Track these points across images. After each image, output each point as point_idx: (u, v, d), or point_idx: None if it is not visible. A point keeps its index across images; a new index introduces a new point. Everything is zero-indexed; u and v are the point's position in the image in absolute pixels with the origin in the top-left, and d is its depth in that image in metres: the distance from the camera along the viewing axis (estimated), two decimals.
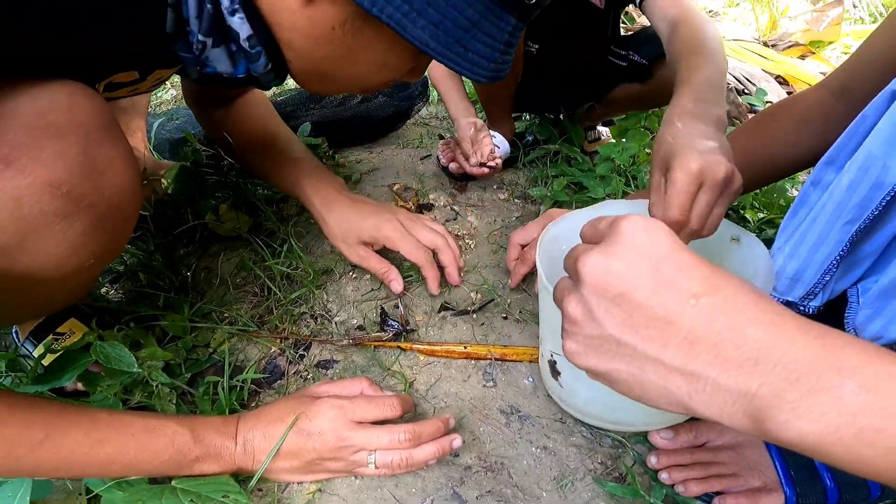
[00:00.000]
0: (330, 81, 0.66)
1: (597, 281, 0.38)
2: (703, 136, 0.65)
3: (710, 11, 3.18)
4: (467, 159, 1.13)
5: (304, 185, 0.89)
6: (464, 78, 1.24)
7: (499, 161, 1.10)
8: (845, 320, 0.61)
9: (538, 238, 0.72)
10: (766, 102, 1.59)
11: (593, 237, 0.42)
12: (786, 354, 0.32)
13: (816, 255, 0.61)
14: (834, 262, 0.60)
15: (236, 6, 0.54)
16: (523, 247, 0.90)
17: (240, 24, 0.55)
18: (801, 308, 0.65)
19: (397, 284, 0.87)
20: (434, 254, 0.88)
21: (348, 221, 0.86)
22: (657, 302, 0.35)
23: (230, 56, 0.60)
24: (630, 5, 1.21)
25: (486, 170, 1.09)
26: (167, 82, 2.07)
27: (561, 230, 0.73)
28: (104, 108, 0.53)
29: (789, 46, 2.30)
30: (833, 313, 0.64)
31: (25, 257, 0.48)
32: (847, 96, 0.73)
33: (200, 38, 0.56)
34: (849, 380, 0.30)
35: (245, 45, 0.57)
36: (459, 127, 1.15)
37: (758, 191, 1.09)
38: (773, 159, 0.81)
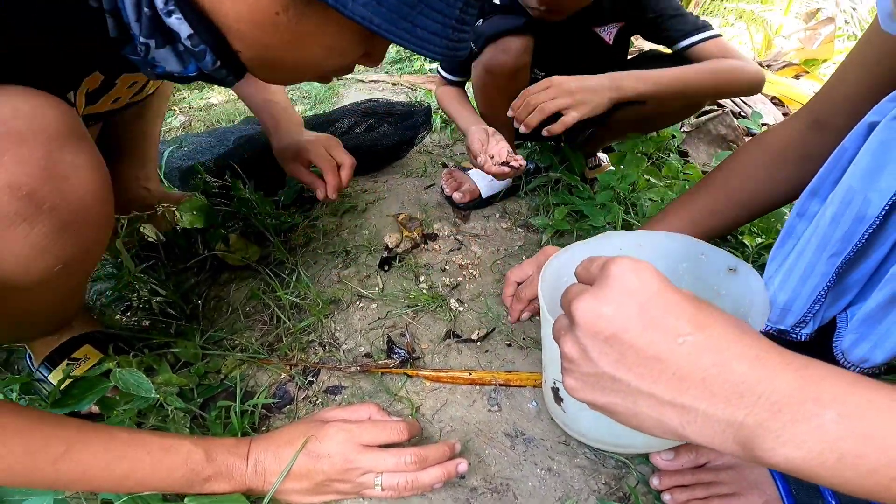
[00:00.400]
0: (283, 69, 0.65)
1: (589, 324, 0.42)
2: (575, 78, 1.01)
3: None
4: (476, 158, 1.14)
5: (265, 116, 1.14)
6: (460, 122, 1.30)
7: (522, 161, 1.10)
8: (833, 345, 0.65)
9: (538, 273, 0.77)
10: (762, 125, 1.65)
11: (587, 278, 0.46)
12: (769, 387, 0.36)
13: (804, 286, 0.65)
14: (822, 293, 0.65)
15: (171, 7, 0.54)
16: (520, 284, 0.95)
17: (178, 24, 0.55)
18: (794, 336, 0.69)
19: (321, 192, 1.07)
20: None
21: (287, 143, 1.10)
22: (647, 341, 0.39)
23: (178, 56, 0.60)
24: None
25: (506, 169, 1.10)
26: (175, 108, 2.14)
27: (562, 262, 0.77)
28: (70, 116, 0.57)
29: (784, 66, 2.34)
30: (824, 339, 0.68)
31: None
32: (821, 129, 0.75)
33: (142, 40, 0.57)
34: (828, 409, 0.34)
35: (188, 43, 0.57)
36: (470, 133, 1.17)
37: None
38: (751, 200, 0.82)
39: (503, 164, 1.09)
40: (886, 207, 0.58)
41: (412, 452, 0.67)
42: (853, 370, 0.64)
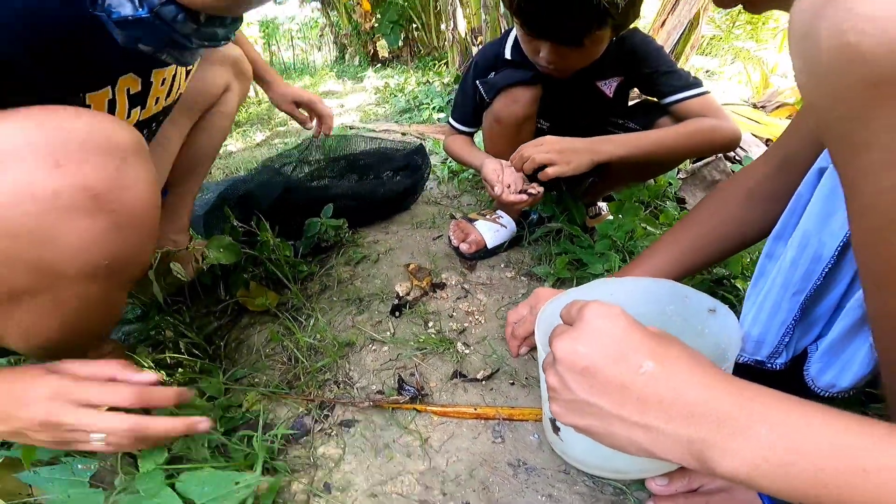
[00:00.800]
0: None
1: (566, 359, 0.53)
2: (566, 140, 1.20)
3: (706, 71, 3.41)
4: (493, 188, 1.26)
5: (257, 71, 1.47)
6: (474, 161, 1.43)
7: (540, 188, 1.24)
8: (804, 373, 0.74)
9: (531, 313, 0.90)
10: None
11: (568, 320, 0.58)
12: (714, 408, 0.45)
13: (773, 321, 0.74)
14: (789, 327, 0.74)
15: None
16: (517, 323, 1.05)
17: None
18: (769, 365, 0.78)
19: (311, 125, 1.66)
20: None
21: (281, 93, 1.57)
22: (614, 373, 0.50)
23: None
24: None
25: (524, 197, 1.23)
26: None
27: (558, 307, 0.85)
28: (138, 136, 0.70)
29: (778, 107, 2.43)
30: (798, 368, 0.77)
31: (52, 246, 0.62)
32: (789, 168, 0.81)
33: None
34: (760, 425, 0.43)
35: None
36: (485, 165, 1.30)
37: (749, 260, 1.23)
38: (727, 238, 0.90)
39: (521, 191, 1.22)
40: (839, 248, 0.67)
41: (132, 420, 0.67)
42: (824, 395, 0.73)
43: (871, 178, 0.39)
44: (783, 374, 0.77)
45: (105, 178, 0.63)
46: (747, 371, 0.79)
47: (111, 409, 0.68)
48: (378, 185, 1.67)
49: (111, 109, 0.82)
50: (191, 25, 0.72)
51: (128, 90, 0.84)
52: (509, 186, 1.23)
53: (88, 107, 0.76)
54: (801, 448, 0.41)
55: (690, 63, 2.77)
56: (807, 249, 0.69)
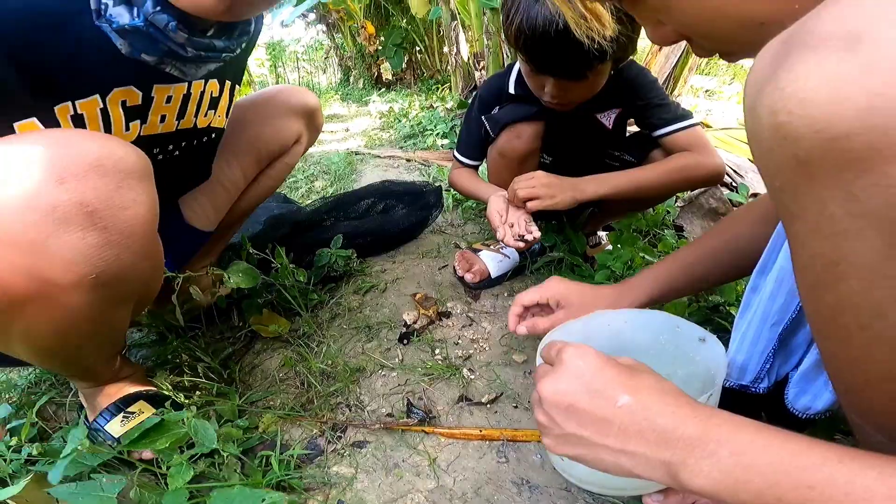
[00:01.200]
0: None
1: (550, 398, 0.62)
2: (555, 177, 1.32)
3: (706, 91, 3.52)
4: (496, 231, 1.34)
5: None
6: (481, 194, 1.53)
7: (537, 234, 1.32)
8: (785, 397, 0.83)
9: (537, 293, 1.02)
10: (750, 196, 1.83)
11: (549, 361, 0.68)
12: (683, 433, 0.54)
13: (755, 350, 0.83)
14: (769, 355, 0.82)
15: None
16: (526, 307, 1.09)
17: None
18: (754, 389, 0.86)
19: None
20: None
21: None
22: (594, 407, 0.59)
23: (128, 7, 0.75)
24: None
25: (521, 244, 1.31)
26: None
27: (557, 338, 0.94)
28: (146, 164, 0.77)
29: None
30: (781, 391, 0.86)
31: (45, 255, 0.69)
32: None
33: (104, 1, 0.75)
34: (723, 448, 0.52)
35: None
36: (490, 203, 1.39)
37: (742, 288, 1.31)
38: (737, 257, 0.97)
39: (519, 237, 1.31)
40: None
41: None
42: (803, 416, 0.81)
43: (803, 244, 0.48)
44: (766, 398, 0.86)
45: (103, 196, 0.71)
46: (734, 395, 0.88)
47: None
48: (387, 220, 1.77)
49: (105, 119, 0.87)
50: (182, 35, 0.80)
51: (124, 102, 0.88)
52: (512, 226, 1.33)
53: (81, 115, 0.84)
54: (757, 467, 0.49)
55: (689, 84, 2.86)
56: (783, 284, 0.78)
